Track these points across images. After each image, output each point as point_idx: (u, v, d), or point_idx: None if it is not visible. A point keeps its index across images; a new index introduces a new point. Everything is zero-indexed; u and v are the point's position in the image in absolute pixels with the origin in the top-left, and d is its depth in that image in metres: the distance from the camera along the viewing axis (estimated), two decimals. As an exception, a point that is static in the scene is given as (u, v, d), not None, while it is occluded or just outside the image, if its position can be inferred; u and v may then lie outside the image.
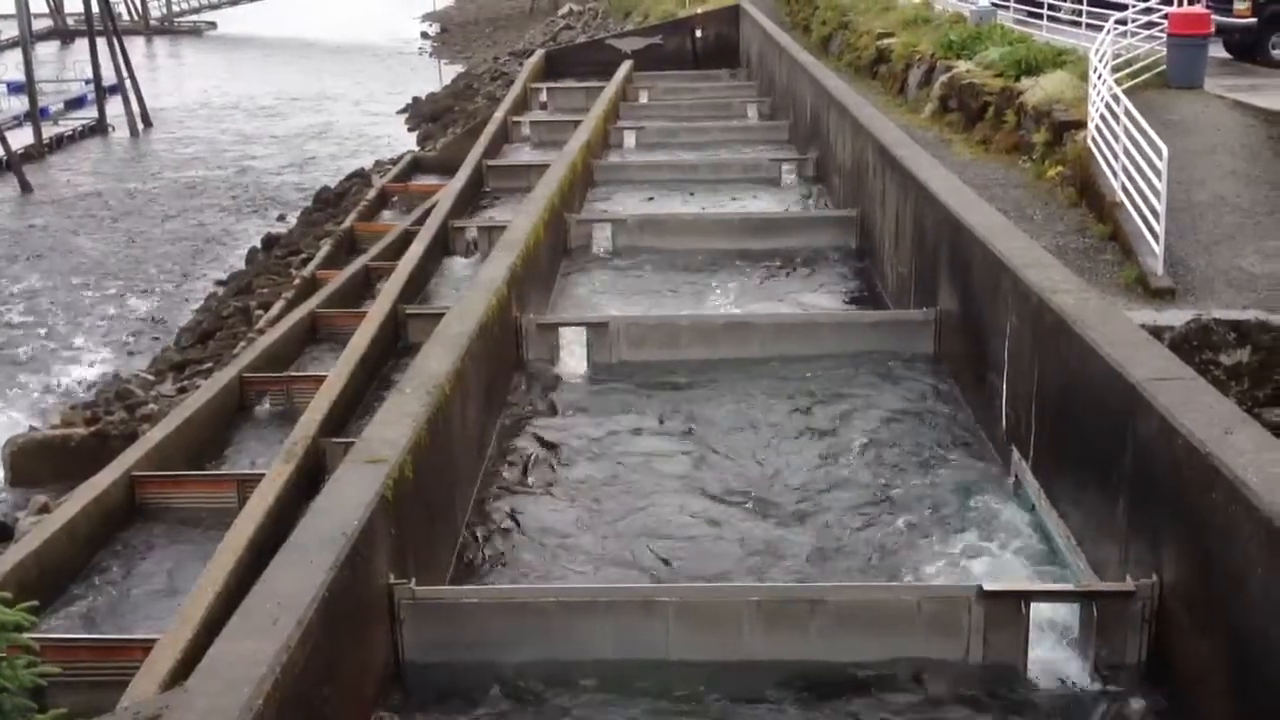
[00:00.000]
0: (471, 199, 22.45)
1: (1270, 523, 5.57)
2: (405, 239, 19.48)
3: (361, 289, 18.42)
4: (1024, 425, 9.12)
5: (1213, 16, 18.52)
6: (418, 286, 17.01)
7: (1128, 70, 17.61)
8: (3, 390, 20.99)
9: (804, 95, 23.40)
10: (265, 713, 4.87)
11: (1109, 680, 6.74)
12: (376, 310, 15.27)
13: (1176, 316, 11.56)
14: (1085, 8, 22.19)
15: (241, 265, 27.14)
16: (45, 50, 66.84)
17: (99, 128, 46.84)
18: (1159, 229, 12.62)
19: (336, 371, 13.45)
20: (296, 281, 21.04)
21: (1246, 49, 20.66)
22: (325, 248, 22.85)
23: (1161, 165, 12.52)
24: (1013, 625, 6.88)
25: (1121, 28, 18.84)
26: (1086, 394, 7.89)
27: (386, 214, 25.29)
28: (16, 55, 46.26)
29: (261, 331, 18.11)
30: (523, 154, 26.78)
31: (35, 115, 42.49)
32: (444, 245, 19.00)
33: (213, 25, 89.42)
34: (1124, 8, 19.65)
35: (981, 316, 10.49)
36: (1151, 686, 6.69)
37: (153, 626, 9.42)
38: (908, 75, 24.33)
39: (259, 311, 20.84)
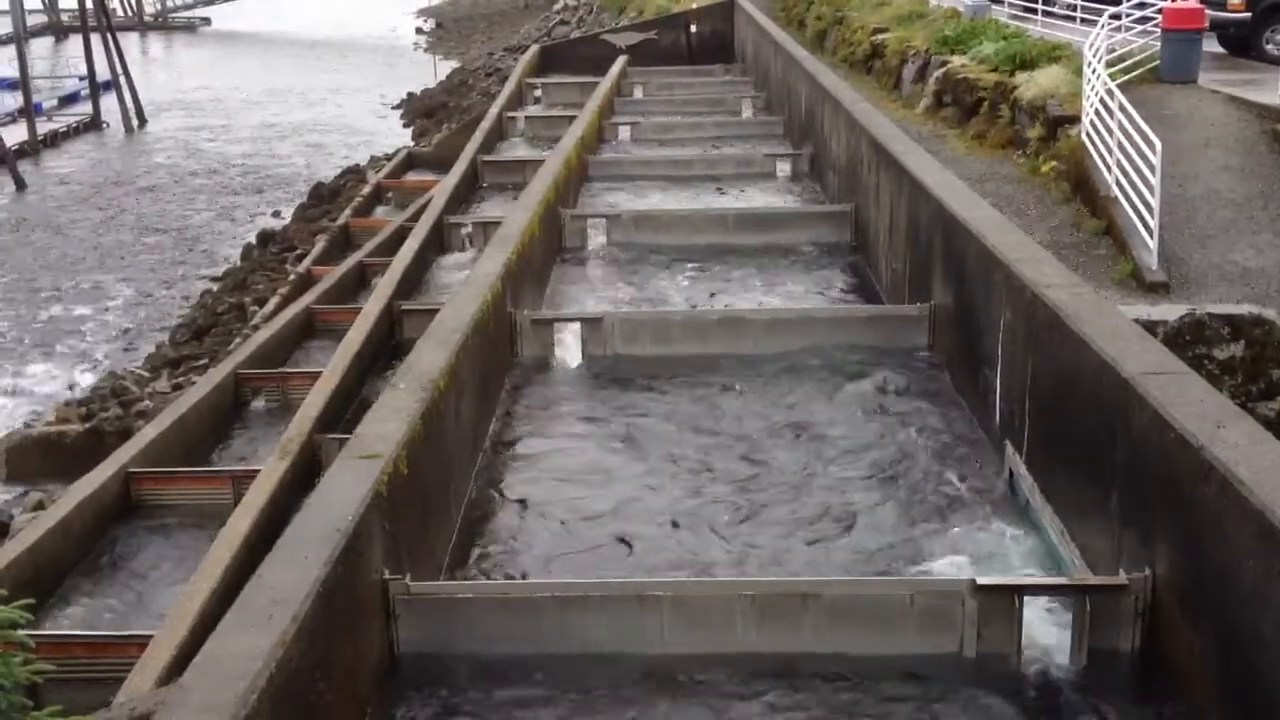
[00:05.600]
0: (466, 195, 22.45)
1: (1262, 516, 5.59)
2: (400, 235, 19.48)
3: (356, 285, 18.42)
4: (1018, 419, 9.14)
5: (1206, 11, 18.53)
6: (413, 282, 17.00)
7: (1122, 65, 17.65)
8: (-3, 387, 21.00)
9: (799, 90, 23.40)
10: (260, 708, 4.88)
11: (1101, 673, 6.76)
12: (371, 306, 15.27)
13: (1170, 311, 11.59)
14: (1080, 2, 22.20)
15: (236, 261, 27.13)
16: (39, 46, 66.71)
17: (93, 124, 46.79)
18: (1153, 223, 12.66)
19: (331, 368, 13.45)
20: (291, 278, 21.06)
21: (1240, 43, 20.69)
22: (320, 244, 22.87)
23: (1155, 160, 12.55)
24: (1006, 619, 6.89)
25: (1116, 23, 18.86)
26: (1080, 388, 7.91)
27: (381, 210, 25.30)
28: (10, 51, 46.16)
29: (256, 328, 18.12)
30: (518, 149, 26.76)
31: (29, 111, 42.45)
32: (439, 241, 19.00)
33: (207, 21, 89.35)
34: (1118, 2, 19.67)
35: (975, 311, 10.51)
36: (1144, 679, 6.72)
37: (148, 623, 9.43)
38: (902, 70, 24.36)
39: (254, 308, 20.87)
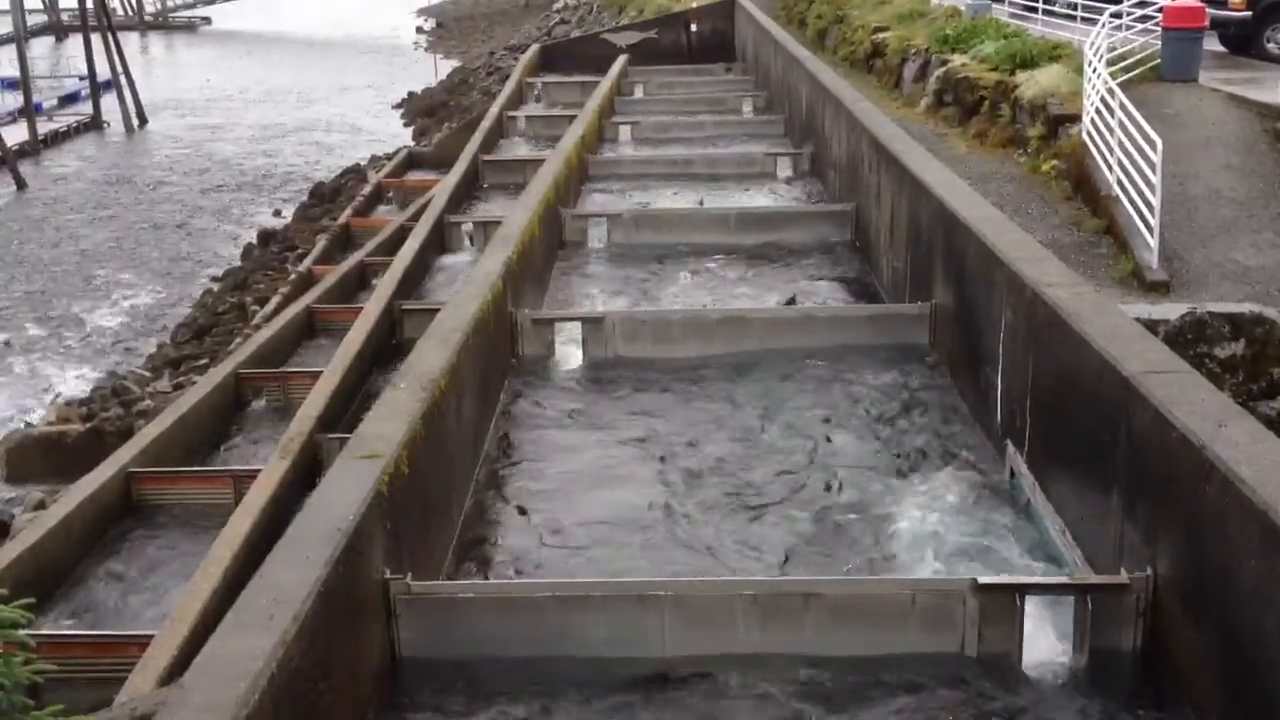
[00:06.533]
0: (467, 194, 22.44)
1: (1264, 516, 5.59)
2: (401, 234, 19.48)
3: (357, 285, 18.42)
4: (1019, 419, 9.14)
5: (1207, 10, 18.51)
6: (413, 282, 16.99)
7: (1123, 64, 17.62)
8: (-2, 387, 21.01)
9: (799, 90, 23.39)
10: (261, 708, 4.88)
11: (1103, 672, 6.76)
12: (372, 306, 15.26)
13: (1171, 310, 11.58)
14: (1080, 1, 22.18)
15: (237, 261, 27.15)
16: (40, 46, 66.74)
17: (94, 123, 46.81)
18: (1154, 222, 12.65)
19: (332, 367, 13.44)
20: (292, 277, 21.07)
21: (1241, 42, 20.68)
22: (321, 243, 22.86)
23: (1156, 158, 12.54)
24: (1007, 618, 6.89)
25: (1116, 21, 18.85)
26: (1081, 388, 7.91)
27: (382, 209, 25.29)
28: (10, 51, 46.17)
29: (257, 327, 18.12)
30: (518, 149, 26.75)
31: (30, 111, 42.45)
32: (439, 241, 18.99)
33: (207, 20, 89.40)
34: (1119, 1, 19.65)
35: (976, 310, 10.51)
36: (1145, 678, 6.71)
37: (149, 623, 9.43)
38: (903, 69, 24.35)
39: (255, 307, 20.87)
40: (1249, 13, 20.17)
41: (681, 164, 21.73)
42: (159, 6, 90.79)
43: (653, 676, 6.85)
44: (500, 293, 11.50)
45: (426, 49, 72.53)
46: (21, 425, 18.15)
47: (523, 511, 9.17)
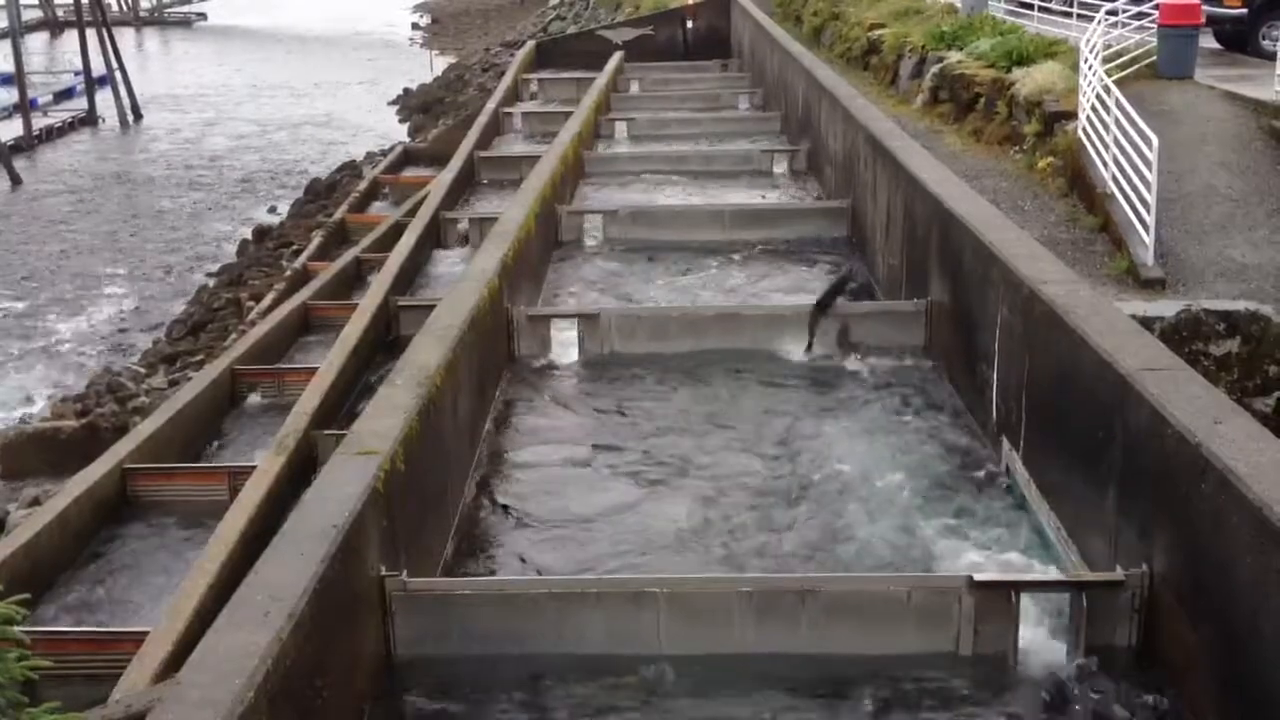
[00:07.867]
0: (463, 191, 22.42)
1: (1259, 512, 5.60)
2: (396, 231, 19.46)
3: (353, 281, 18.41)
4: (1014, 416, 9.14)
5: (1203, 7, 18.52)
6: (409, 278, 16.99)
7: (1118, 61, 17.61)
8: (-7, 383, 20.97)
9: (795, 86, 23.39)
10: (257, 704, 4.88)
11: (1099, 669, 6.75)
12: (368, 302, 15.25)
13: (1167, 307, 11.61)
14: (1076, -2, 22.20)
15: (232, 257, 27.12)
16: (35, 42, 66.62)
17: (89, 119, 46.69)
18: (1149, 219, 12.66)
19: (328, 363, 13.44)
20: (288, 273, 21.04)
21: (1237, 40, 20.69)
22: (316, 239, 22.82)
23: (1152, 156, 12.55)
24: (1003, 615, 6.89)
25: (1112, 19, 18.85)
26: (1077, 385, 7.91)
27: (377, 205, 25.26)
28: (6, 46, 46.11)
29: (253, 324, 18.10)
30: (514, 145, 26.74)
31: (25, 107, 42.35)
32: (435, 237, 18.99)
33: (203, 16, 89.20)
34: (1114, -2, 19.66)
35: (972, 307, 10.51)
36: (1141, 675, 6.71)
37: (144, 619, 9.42)
38: (899, 66, 24.35)
39: (250, 303, 20.84)
40: (1244, 10, 20.18)
41: (677, 160, 21.73)
42: (154, 2, 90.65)
43: (649, 674, 6.85)
44: (496, 289, 11.49)
45: (422, 45, 72.43)
46: (17, 421, 18.13)
47: (519, 508, 9.17)
